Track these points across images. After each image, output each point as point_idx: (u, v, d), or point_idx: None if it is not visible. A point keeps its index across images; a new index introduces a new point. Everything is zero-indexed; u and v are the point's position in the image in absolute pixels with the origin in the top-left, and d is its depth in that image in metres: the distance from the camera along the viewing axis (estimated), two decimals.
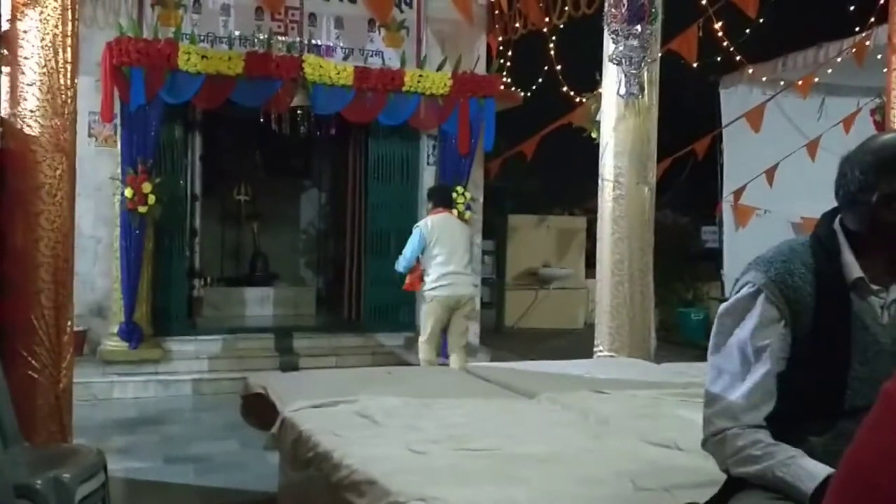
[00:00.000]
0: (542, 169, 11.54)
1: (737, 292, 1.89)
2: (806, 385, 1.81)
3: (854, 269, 1.84)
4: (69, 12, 3.90)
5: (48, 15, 3.83)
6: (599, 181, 6.29)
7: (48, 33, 3.84)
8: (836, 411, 1.79)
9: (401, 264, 6.66)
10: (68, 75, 3.90)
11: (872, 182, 1.80)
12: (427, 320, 6.55)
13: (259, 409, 4.04)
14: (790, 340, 1.83)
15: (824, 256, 1.86)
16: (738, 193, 9.67)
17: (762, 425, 1.81)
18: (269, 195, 10.59)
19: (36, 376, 3.79)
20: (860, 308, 1.84)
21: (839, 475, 1.10)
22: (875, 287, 1.85)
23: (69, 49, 3.90)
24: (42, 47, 3.83)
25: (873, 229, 1.82)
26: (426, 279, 6.54)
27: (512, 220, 12.38)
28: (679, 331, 11.10)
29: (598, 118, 6.66)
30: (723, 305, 1.93)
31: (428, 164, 8.67)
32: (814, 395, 1.82)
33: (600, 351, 6.20)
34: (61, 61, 3.87)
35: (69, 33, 3.90)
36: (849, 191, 1.85)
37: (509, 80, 9.30)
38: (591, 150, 6.71)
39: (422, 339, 6.59)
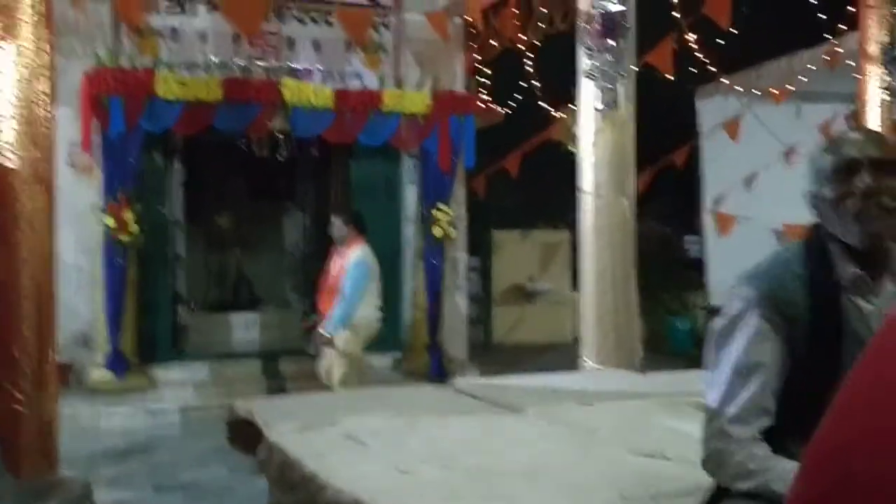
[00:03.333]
0: (524, 183, 11.57)
1: (729, 308, 1.87)
2: (800, 399, 1.78)
3: (849, 267, 1.83)
4: (45, 44, 3.91)
5: (23, 47, 3.85)
6: (578, 194, 6.33)
7: (24, 66, 3.85)
8: None
9: (349, 318, 6.31)
10: (46, 107, 3.91)
11: (817, 192, 1.89)
12: (354, 349, 6.39)
13: (246, 435, 4.02)
14: (785, 354, 1.82)
15: (817, 261, 1.85)
16: (718, 202, 9.75)
17: (757, 438, 1.80)
18: (252, 219, 10.55)
19: (20, 409, 3.77)
20: (854, 317, 1.81)
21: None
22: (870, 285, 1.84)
23: (46, 80, 3.91)
24: (18, 80, 3.85)
25: (845, 235, 1.83)
26: (356, 313, 6.36)
27: (496, 236, 12.39)
28: (666, 340, 11.13)
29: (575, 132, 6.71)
30: (716, 321, 1.91)
31: (410, 182, 8.69)
32: (809, 409, 1.81)
33: (586, 363, 6.21)
34: (38, 93, 3.88)
35: (45, 65, 3.91)
36: (811, 206, 1.94)
37: (488, 98, 9.36)
38: (572, 164, 6.75)
39: (344, 370, 6.29)
